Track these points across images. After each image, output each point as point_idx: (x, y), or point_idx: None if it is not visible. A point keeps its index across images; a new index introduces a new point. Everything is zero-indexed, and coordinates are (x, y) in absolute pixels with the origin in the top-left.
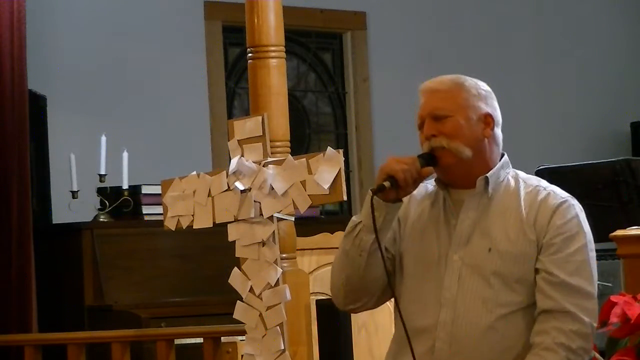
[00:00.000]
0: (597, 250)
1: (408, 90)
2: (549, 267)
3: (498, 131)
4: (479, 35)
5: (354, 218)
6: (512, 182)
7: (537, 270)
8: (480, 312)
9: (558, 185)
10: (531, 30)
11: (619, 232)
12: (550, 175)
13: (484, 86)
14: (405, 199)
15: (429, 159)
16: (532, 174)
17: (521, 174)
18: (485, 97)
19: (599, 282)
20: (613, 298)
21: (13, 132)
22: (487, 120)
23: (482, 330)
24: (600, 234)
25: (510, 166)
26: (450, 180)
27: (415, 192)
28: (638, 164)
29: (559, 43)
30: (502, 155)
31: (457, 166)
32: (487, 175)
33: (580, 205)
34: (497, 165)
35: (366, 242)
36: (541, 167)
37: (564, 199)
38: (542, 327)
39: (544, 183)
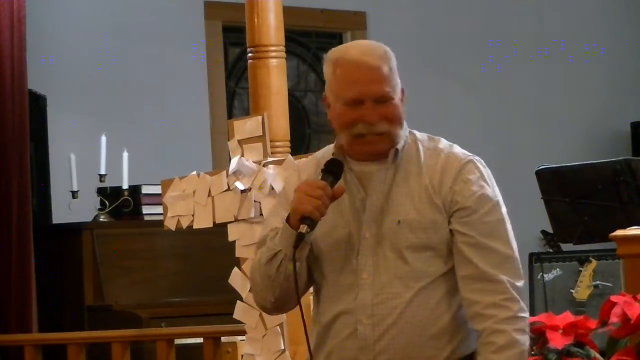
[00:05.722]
0: (597, 250)
1: (408, 90)
2: (463, 229)
3: None
4: (478, 35)
5: (269, 244)
6: (412, 147)
7: (452, 233)
8: (399, 289)
9: (558, 185)
10: (531, 30)
11: (619, 232)
12: (551, 175)
13: (393, 55)
14: (294, 179)
15: (336, 168)
16: (531, 175)
17: (417, 134)
18: (397, 68)
19: (599, 282)
20: (613, 298)
21: (13, 132)
22: (403, 95)
23: (402, 308)
24: (600, 234)
25: (407, 128)
26: (360, 155)
27: (305, 173)
28: (638, 164)
29: (559, 43)
30: None
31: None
32: (397, 147)
33: (482, 161)
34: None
35: (291, 270)
36: (541, 167)
37: (464, 159)
38: (471, 297)
39: (441, 144)
